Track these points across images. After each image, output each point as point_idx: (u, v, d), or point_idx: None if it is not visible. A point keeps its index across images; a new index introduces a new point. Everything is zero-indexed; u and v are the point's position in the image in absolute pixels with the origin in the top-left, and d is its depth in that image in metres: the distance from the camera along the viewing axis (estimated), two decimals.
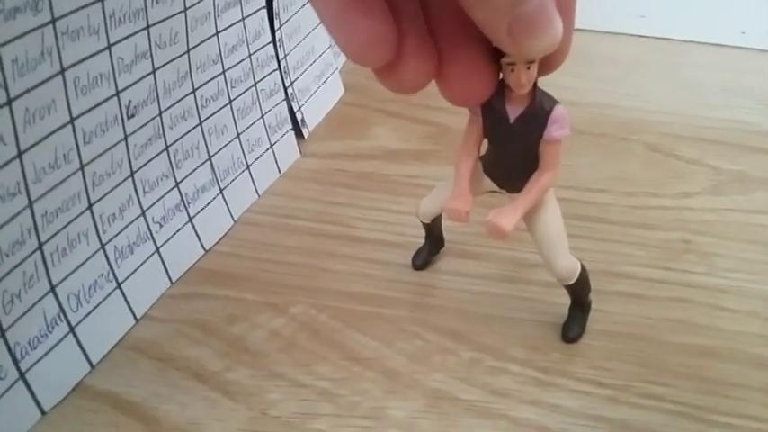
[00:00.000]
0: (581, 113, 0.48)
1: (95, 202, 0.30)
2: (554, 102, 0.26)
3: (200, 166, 0.37)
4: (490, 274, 0.35)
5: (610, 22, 0.61)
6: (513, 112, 0.26)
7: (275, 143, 0.43)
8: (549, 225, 0.29)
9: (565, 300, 0.32)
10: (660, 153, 0.46)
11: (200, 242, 0.37)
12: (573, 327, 0.32)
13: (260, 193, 0.41)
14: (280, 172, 0.43)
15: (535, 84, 0.25)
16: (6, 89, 0.25)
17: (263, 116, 0.42)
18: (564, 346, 0.31)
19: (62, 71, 0.27)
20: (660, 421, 0.28)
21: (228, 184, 0.39)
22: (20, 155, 0.26)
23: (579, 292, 0.31)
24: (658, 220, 0.40)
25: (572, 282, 0.30)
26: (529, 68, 0.23)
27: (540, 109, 0.26)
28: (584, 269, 0.30)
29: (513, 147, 0.27)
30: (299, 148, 0.45)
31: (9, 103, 0.25)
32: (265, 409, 0.28)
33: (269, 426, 0.27)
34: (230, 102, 0.40)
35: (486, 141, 0.28)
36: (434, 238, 0.36)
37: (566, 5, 0.20)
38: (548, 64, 0.23)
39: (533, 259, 0.36)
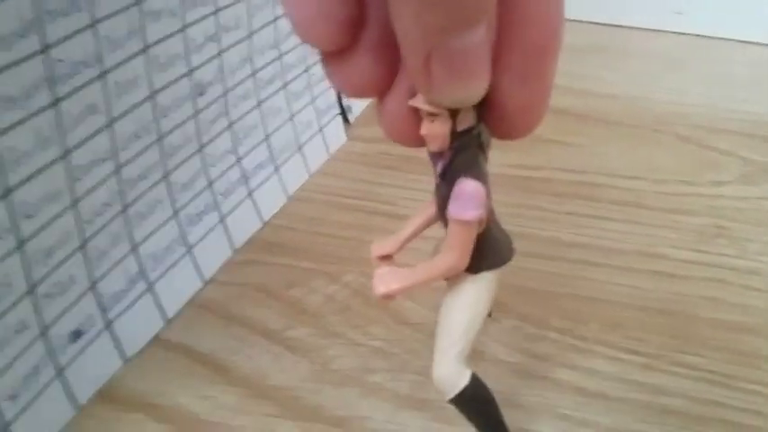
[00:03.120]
0: (615, 106, 0.50)
1: (170, 173, 0.33)
2: (467, 173, 0.19)
3: (258, 144, 0.40)
4: (530, 251, 0.37)
5: (647, 19, 0.63)
6: (440, 167, 0.20)
7: (324, 126, 0.46)
8: (449, 317, 0.22)
9: (598, 275, 0.34)
10: (692, 144, 0.48)
11: (259, 215, 0.39)
12: None
13: (311, 173, 0.44)
14: (329, 153, 0.46)
15: (452, 144, 0.19)
16: (102, 63, 0.27)
17: (313, 100, 0.45)
18: (601, 317, 0.33)
19: (145, 49, 0.30)
20: (691, 387, 0.30)
21: (283, 163, 0.42)
22: (111, 124, 0.29)
23: (468, 416, 0.23)
24: (691, 206, 0.41)
25: (449, 397, 0.23)
26: (433, 121, 0.18)
27: (449, 176, 0.20)
28: (476, 390, 0.23)
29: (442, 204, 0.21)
30: (345, 132, 0.48)
31: (103, 75, 0.28)
32: (326, 363, 0.31)
33: (331, 377, 0.30)
34: (285, 85, 0.42)
35: None
36: None
37: (539, 72, 0.17)
38: (510, 127, 0.19)
39: (568, 239, 0.38)
